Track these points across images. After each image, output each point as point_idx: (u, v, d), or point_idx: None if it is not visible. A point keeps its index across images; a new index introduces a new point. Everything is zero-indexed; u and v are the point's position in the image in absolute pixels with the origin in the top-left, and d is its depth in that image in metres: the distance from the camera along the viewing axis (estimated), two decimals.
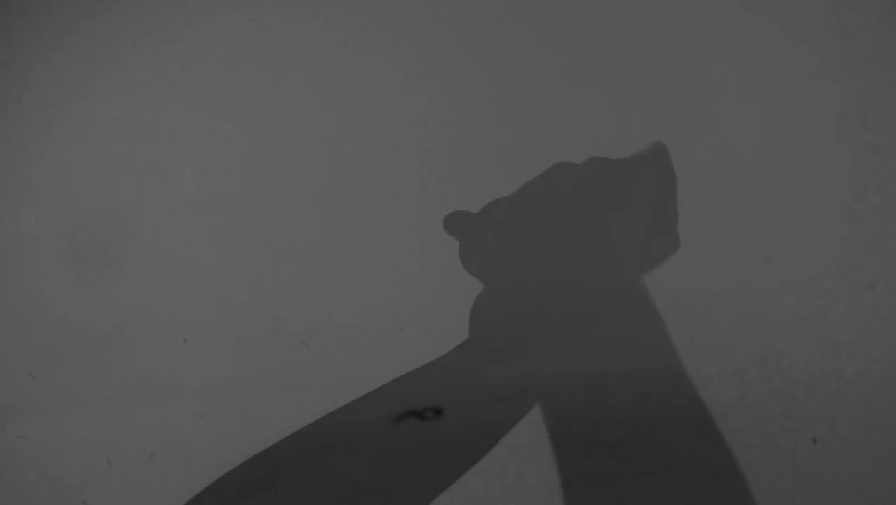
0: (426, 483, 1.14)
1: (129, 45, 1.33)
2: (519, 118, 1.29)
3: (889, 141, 1.26)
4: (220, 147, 1.30)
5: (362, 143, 1.29)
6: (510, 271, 1.23)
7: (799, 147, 1.27)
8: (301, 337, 1.23)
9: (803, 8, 1.31)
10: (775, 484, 1.16)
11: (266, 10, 1.34)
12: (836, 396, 1.21)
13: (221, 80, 1.32)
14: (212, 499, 1.13)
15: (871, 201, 1.26)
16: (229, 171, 1.29)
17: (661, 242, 1.22)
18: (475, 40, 1.32)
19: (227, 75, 1.32)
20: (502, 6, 1.33)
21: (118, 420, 1.23)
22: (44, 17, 1.35)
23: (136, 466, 1.21)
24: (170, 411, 1.23)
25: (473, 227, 1.24)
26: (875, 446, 1.18)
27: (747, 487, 1.12)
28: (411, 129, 1.30)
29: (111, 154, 1.31)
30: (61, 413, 1.24)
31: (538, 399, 1.16)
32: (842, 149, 1.27)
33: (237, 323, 1.26)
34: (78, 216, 1.29)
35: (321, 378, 1.22)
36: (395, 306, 1.24)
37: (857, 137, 1.27)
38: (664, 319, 1.19)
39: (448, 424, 1.16)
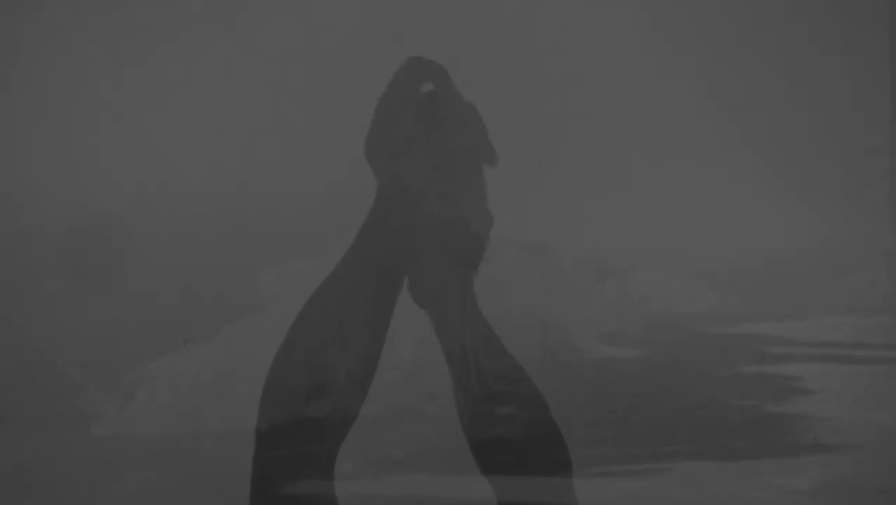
0: None
1: (130, 46, 1.33)
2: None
3: (889, 141, 1.26)
4: (221, 147, 1.30)
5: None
6: None
7: (799, 147, 1.27)
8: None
9: (803, 9, 1.31)
10: (775, 484, 1.16)
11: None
12: (836, 396, 1.21)
13: (225, 80, 1.32)
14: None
15: (871, 201, 1.26)
16: (229, 172, 1.29)
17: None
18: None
19: (231, 77, 1.33)
20: None
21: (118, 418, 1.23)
22: (44, 18, 1.35)
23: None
24: (170, 410, 1.23)
25: None
26: (875, 446, 1.19)
27: None
28: None
29: (111, 153, 1.31)
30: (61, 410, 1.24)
31: None
32: (842, 149, 1.27)
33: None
34: (78, 216, 1.30)
35: None
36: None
37: (857, 137, 1.27)
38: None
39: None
